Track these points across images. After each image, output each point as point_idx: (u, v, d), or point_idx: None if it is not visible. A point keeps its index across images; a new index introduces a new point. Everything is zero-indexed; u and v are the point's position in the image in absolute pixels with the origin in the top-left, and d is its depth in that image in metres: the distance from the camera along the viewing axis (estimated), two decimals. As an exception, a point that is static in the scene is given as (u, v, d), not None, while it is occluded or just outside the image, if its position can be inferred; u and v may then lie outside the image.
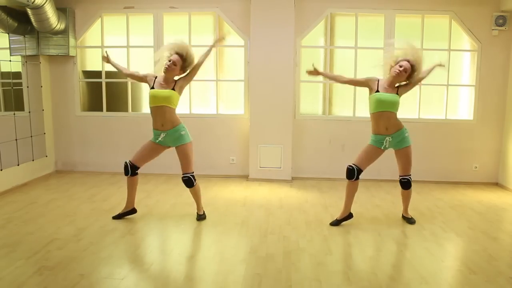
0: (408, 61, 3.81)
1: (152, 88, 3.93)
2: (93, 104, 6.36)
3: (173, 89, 3.90)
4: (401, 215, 4.33)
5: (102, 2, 6.02)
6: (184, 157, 4.01)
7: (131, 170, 4.09)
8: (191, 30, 5.99)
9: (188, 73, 3.99)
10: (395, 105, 3.87)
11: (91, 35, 6.19)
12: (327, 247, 3.57)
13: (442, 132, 5.90)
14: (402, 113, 5.89)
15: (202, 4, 5.93)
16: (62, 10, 5.79)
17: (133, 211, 4.26)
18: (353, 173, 3.96)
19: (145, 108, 6.29)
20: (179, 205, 4.73)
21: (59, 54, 5.91)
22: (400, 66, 3.77)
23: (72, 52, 5.98)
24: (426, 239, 3.79)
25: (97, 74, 6.25)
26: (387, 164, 5.96)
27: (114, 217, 4.19)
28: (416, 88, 5.88)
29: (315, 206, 4.75)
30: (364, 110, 6.00)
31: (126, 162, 4.09)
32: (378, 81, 3.95)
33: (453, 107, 6.02)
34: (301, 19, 5.82)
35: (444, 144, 5.91)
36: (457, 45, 5.90)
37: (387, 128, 3.91)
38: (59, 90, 6.23)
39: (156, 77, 3.98)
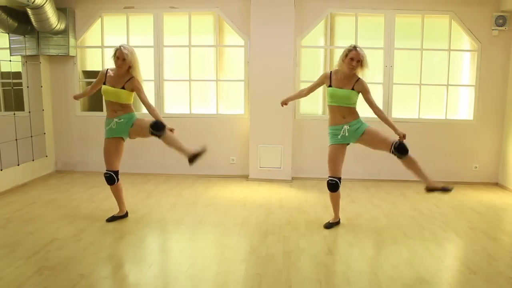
0: (356, 50, 3.75)
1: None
2: (93, 104, 6.36)
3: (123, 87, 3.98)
4: (426, 188, 3.82)
5: (102, 2, 6.02)
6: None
7: (116, 176, 4.07)
8: (191, 30, 5.99)
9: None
10: (350, 99, 3.82)
11: (91, 35, 6.19)
12: (327, 247, 3.57)
13: (442, 132, 5.90)
14: (402, 113, 5.96)
15: (202, 4, 5.93)
16: (62, 10, 5.79)
17: (126, 214, 4.30)
18: (337, 186, 3.96)
19: (145, 108, 6.28)
20: (179, 205, 4.73)
21: (59, 54, 5.91)
22: (351, 59, 3.74)
23: (72, 52, 5.98)
24: (426, 239, 3.79)
25: (97, 74, 6.20)
26: (387, 164, 5.97)
27: (108, 220, 4.17)
28: (416, 88, 5.92)
29: (315, 206, 4.75)
30: (363, 110, 5.99)
31: (107, 173, 4.04)
32: (331, 74, 3.87)
33: (453, 107, 6.02)
34: (301, 19, 5.82)
35: (444, 144, 5.91)
36: (457, 45, 5.90)
37: (344, 116, 3.85)
38: (59, 90, 6.23)
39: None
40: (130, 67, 3.98)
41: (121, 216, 4.23)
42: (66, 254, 3.34)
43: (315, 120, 6.03)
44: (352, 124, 3.86)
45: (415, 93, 5.95)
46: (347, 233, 3.92)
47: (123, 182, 5.67)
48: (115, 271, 3.10)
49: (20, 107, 5.65)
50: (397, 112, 5.98)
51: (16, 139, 5.32)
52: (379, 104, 5.90)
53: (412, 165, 3.77)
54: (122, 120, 3.99)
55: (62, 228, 3.93)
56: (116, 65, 3.95)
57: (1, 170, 5.08)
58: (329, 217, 4.35)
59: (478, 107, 5.86)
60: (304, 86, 5.99)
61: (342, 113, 3.85)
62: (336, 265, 3.23)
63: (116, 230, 3.91)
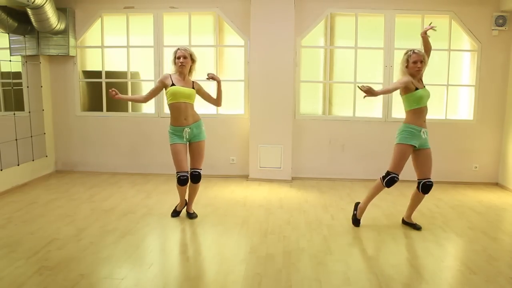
0: (415, 52, 3.83)
1: (173, 85, 4.03)
2: (93, 104, 6.36)
3: (192, 88, 4.11)
4: (402, 220, 4.20)
5: (102, 2, 6.02)
6: (200, 153, 4.18)
7: (187, 178, 4.13)
8: (191, 30, 5.99)
9: (201, 92, 4.23)
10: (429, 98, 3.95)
11: (91, 35, 6.19)
12: (327, 247, 3.57)
13: (442, 132, 5.90)
14: (402, 113, 5.93)
15: (202, 4, 5.93)
16: (62, 10, 5.79)
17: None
18: (394, 183, 3.91)
19: (145, 108, 6.29)
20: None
21: (59, 54, 5.91)
22: (415, 62, 3.81)
23: (72, 52, 5.98)
24: (426, 239, 3.79)
25: (97, 74, 6.25)
26: (387, 164, 5.97)
27: (173, 215, 4.36)
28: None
29: (315, 206, 4.75)
30: (364, 110, 6.01)
31: (182, 175, 4.06)
32: (412, 81, 3.87)
33: (453, 107, 6.02)
34: (301, 19, 5.82)
35: (444, 144, 5.91)
36: (457, 45, 5.90)
37: (425, 120, 3.91)
38: (59, 90, 6.23)
39: (171, 75, 4.10)
40: (192, 65, 4.10)
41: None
42: (66, 254, 3.34)
43: (315, 120, 6.03)
44: (427, 133, 3.90)
45: (415, 93, 5.94)
46: (347, 233, 3.92)
47: (123, 182, 5.72)
48: (115, 271, 3.10)
49: (20, 107, 5.64)
50: (398, 112, 5.97)
51: (16, 139, 5.32)
52: (379, 104, 5.93)
53: (418, 200, 4.05)
54: (193, 129, 4.09)
55: (62, 228, 3.93)
56: (177, 65, 4.02)
57: (1, 170, 5.08)
58: (329, 217, 4.37)
59: (478, 107, 5.86)
60: (304, 86, 6.05)
61: (425, 115, 3.89)
62: (336, 265, 3.23)
63: (116, 230, 3.91)
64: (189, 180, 4.13)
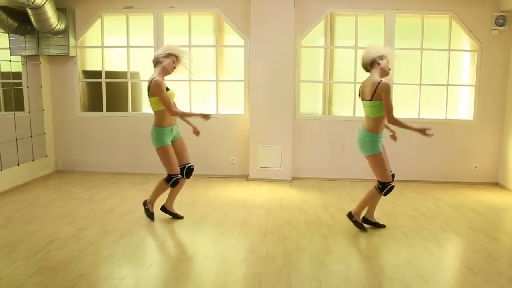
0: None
1: (168, 89, 4.07)
2: (93, 104, 6.36)
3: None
4: (363, 218, 4.04)
5: (102, 2, 6.02)
6: (186, 146, 4.20)
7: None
8: (191, 30, 5.99)
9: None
10: None
11: (91, 35, 6.19)
12: (327, 247, 3.58)
13: (442, 132, 5.90)
14: (402, 113, 5.96)
15: (202, 4, 5.93)
16: (62, 10, 5.79)
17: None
18: (391, 190, 3.88)
19: (145, 108, 6.29)
20: (179, 205, 4.72)
21: (59, 54, 5.91)
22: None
23: (72, 52, 5.98)
24: (426, 239, 3.79)
25: (97, 74, 6.25)
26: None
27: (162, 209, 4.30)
28: (416, 88, 5.92)
29: (315, 206, 4.75)
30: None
31: (178, 178, 4.05)
32: None
33: (453, 107, 6.02)
34: (301, 19, 5.81)
35: (444, 144, 5.91)
36: (457, 45, 5.90)
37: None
38: (59, 90, 6.23)
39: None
40: None
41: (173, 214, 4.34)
42: (66, 254, 3.34)
43: (315, 120, 6.03)
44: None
45: (415, 93, 5.95)
46: (347, 233, 3.92)
47: (123, 182, 5.72)
48: (115, 271, 3.10)
49: (20, 107, 5.65)
50: (397, 112, 5.96)
51: (16, 139, 5.33)
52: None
53: (374, 199, 3.96)
54: (176, 127, 4.14)
55: (62, 228, 3.94)
56: (171, 69, 4.02)
57: (1, 170, 5.08)
58: (329, 217, 4.37)
59: (478, 107, 5.86)
60: (304, 86, 6.05)
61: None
62: (336, 265, 3.23)
63: (116, 230, 3.91)
64: (184, 176, 4.16)
